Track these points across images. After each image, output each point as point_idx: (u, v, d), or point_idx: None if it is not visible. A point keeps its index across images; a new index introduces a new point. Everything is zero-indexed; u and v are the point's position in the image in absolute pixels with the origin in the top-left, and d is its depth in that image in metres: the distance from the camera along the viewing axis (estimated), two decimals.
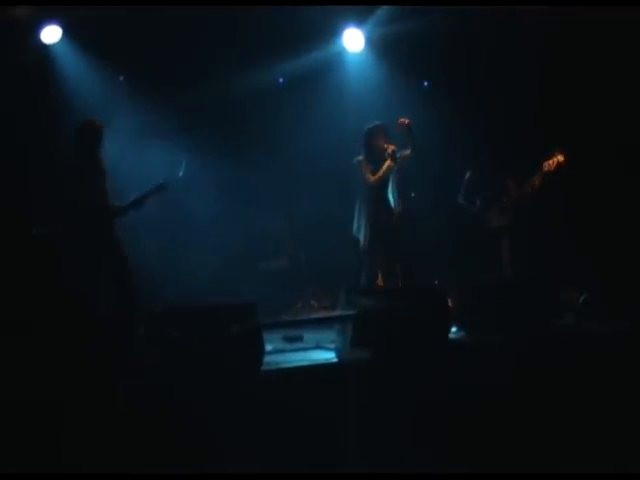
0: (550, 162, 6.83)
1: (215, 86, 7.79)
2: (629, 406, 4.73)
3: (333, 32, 8.09)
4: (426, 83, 8.74)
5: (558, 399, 4.81)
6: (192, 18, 7.31)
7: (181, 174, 6.51)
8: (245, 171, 8.00)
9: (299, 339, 6.10)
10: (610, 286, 5.95)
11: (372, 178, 6.64)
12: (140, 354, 4.92)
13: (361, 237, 6.71)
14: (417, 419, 4.65)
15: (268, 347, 5.25)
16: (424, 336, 5.22)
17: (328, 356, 5.36)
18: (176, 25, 7.36)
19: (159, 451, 4.20)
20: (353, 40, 8.14)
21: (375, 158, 6.67)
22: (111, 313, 5.52)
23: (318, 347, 5.74)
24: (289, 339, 6.08)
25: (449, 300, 5.71)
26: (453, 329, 5.74)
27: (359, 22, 8.02)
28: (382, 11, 7.81)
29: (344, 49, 8.25)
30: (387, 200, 6.72)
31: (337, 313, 6.27)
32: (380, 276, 6.68)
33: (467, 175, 7.24)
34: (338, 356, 5.29)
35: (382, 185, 6.69)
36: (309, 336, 6.11)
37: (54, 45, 7.35)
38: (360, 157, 6.73)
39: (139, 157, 7.25)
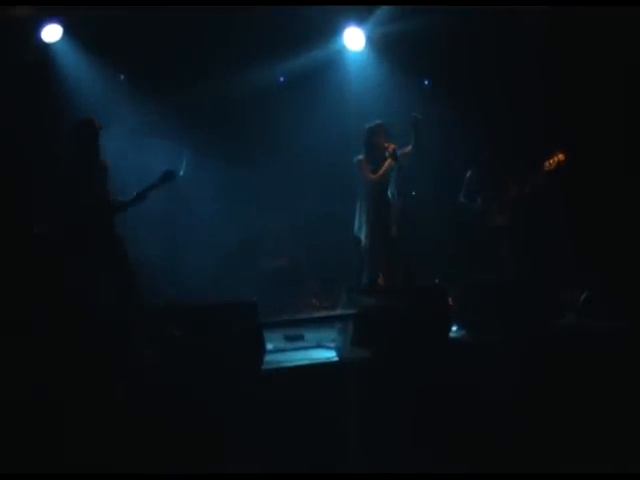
0: (551, 161, 6.82)
1: (216, 85, 7.78)
2: (629, 406, 4.74)
3: (334, 31, 8.08)
4: (426, 82, 8.74)
5: (558, 399, 4.81)
6: (192, 18, 7.30)
7: (182, 173, 6.51)
8: (246, 170, 8.00)
9: (300, 338, 6.10)
10: (610, 285, 5.95)
11: (373, 177, 6.64)
12: (140, 353, 4.93)
13: (362, 236, 6.72)
14: (417, 418, 4.66)
15: (269, 346, 5.26)
16: (425, 335, 5.24)
17: (329, 355, 5.37)
18: (176, 25, 7.36)
19: (159, 451, 4.20)
20: (354, 39, 8.13)
21: (376, 157, 6.67)
22: (111, 312, 5.51)
23: (319, 346, 5.76)
24: (290, 338, 6.08)
25: (449, 299, 5.72)
26: (453, 328, 5.76)
27: (360, 21, 8.02)
28: (382, 10, 7.81)
29: (345, 48, 8.24)
30: (388, 199, 6.72)
31: (338, 312, 6.27)
32: (381, 275, 6.69)
33: (468, 174, 7.24)
34: (339, 355, 5.30)
35: (383, 184, 6.69)
36: (310, 335, 6.11)
37: (55, 44, 7.34)
38: (360, 156, 6.73)
39: (139, 156, 7.26)
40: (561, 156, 6.82)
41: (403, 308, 5.33)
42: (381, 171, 6.62)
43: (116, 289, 5.65)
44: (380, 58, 8.32)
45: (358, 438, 4.53)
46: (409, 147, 6.58)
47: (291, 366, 5.08)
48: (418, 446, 4.49)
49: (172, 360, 4.68)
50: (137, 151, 7.40)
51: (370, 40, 8.20)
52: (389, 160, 6.55)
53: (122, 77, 7.89)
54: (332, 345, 5.53)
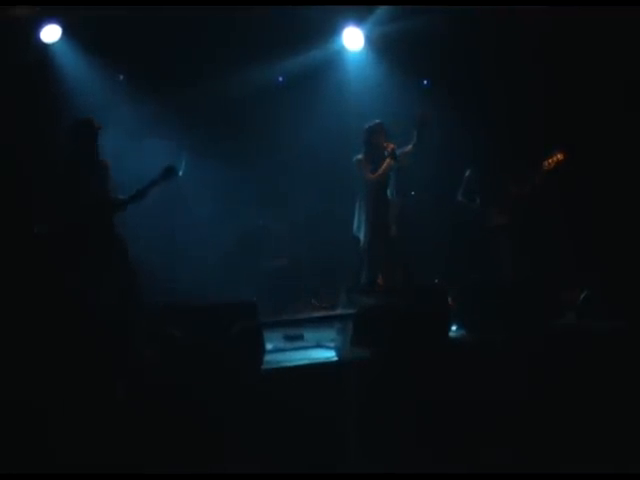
0: (550, 161, 6.82)
1: (215, 85, 7.78)
2: (629, 406, 4.74)
3: (333, 31, 8.08)
4: (426, 82, 8.73)
5: (558, 399, 4.81)
6: (192, 18, 7.30)
7: (181, 173, 6.51)
8: (245, 170, 8.00)
9: (299, 338, 6.10)
10: (610, 285, 5.95)
11: (372, 177, 6.65)
12: (140, 353, 4.92)
13: (361, 236, 6.72)
14: (417, 418, 4.66)
15: (268, 346, 5.26)
16: (424, 335, 5.23)
17: (328, 355, 5.37)
18: (175, 25, 7.36)
19: (159, 451, 4.20)
20: (353, 39, 8.13)
21: (375, 157, 6.67)
22: (111, 312, 5.51)
23: (318, 346, 5.75)
24: (289, 338, 6.08)
25: (449, 299, 5.72)
26: (453, 328, 5.76)
27: (359, 21, 8.01)
28: (382, 10, 7.80)
29: (344, 48, 8.23)
30: (387, 199, 6.72)
31: (337, 312, 6.29)
32: (380, 275, 6.69)
33: (467, 173, 7.23)
34: (338, 355, 5.29)
35: (382, 183, 6.69)
36: (309, 335, 6.11)
37: (54, 44, 7.34)
38: (359, 156, 6.73)
39: (139, 156, 7.24)
40: (560, 156, 6.82)
41: (403, 308, 5.32)
42: (380, 171, 6.62)
43: (116, 289, 5.65)
44: (379, 58, 8.31)
45: (358, 438, 4.53)
46: (409, 146, 6.58)
47: (291, 366, 5.07)
48: (418, 446, 4.49)
49: (172, 360, 4.68)
50: (136, 151, 7.39)
51: (369, 40, 8.20)
52: (388, 160, 6.56)
53: (121, 77, 7.90)
54: (332, 345, 5.53)
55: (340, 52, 8.29)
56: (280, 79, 8.52)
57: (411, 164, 6.71)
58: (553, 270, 7.08)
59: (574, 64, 7.52)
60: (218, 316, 4.95)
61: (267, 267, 8.24)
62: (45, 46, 7.31)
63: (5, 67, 6.91)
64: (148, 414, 4.38)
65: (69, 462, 4.05)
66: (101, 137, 5.91)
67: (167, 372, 4.65)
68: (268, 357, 5.07)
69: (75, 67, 7.45)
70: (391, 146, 6.54)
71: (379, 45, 8.25)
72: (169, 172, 5.82)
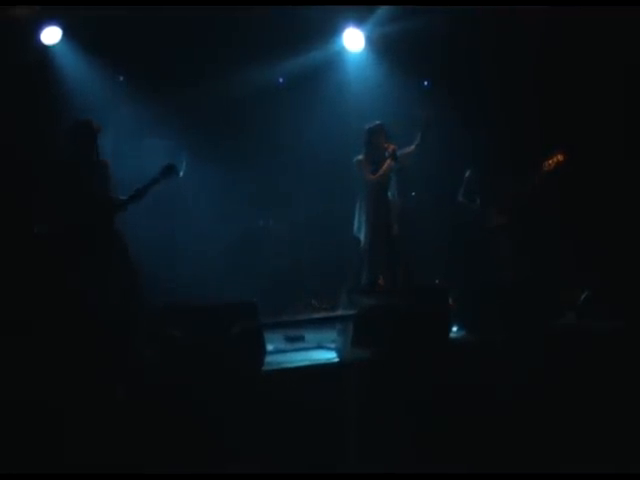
0: (550, 161, 6.82)
1: (215, 86, 7.78)
2: (629, 406, 4.74)
3: (333, 32, 8.08)
4: (426, 82, 8.73)
5: (558, 399, 4.81)
6: (192, 18, 7.30)
7: (181, 173, 6.50)
8: (245, 170, 8.00)
9: (300, 339, 6.11)
10: (610, 285, 5.96)
11: (372, 177, 6.64)
12: (140, 353, 4.92)
13: (362, 237, 6.72)
14: (418, 419, 4.66)
15: (269, 347, 5.26)
16: (425, 335, 5.23)
17: (329, 356, 5.37)
18: (176, 25, 7.36)
19: (159, 451, 4.20)
20: (353, 40, 8.12)
21: (375, 157, 6.67)
22: (112, 312, 5.51)
23: (319, 347, 5.75)
24: (290, 339, 6.08)
25: (449, 299, 5.72)
26: (454, 328, 5.76)
27: (359, 22, 8.01)
28: (382, 11, 7.80)
29: (344, 49, 8.23)
30: (387, 199, 6.72)
31: (338, 313, 6.28)
32: (381, 276, 6.69)
33: (467, 174, 7.23)
34: (339, 356, 5.29)
35: (382, 184, 6.69)
36: (310, 336, 6.11)
37: (54, 45, 7.34)
38: (360, 156, 6.73)
39: (139, 157, 7.25)
40: (560, 156, 6.82)
41: (403, 308, 5.32)
42: (381, 172, 6.62)
43: (117, 289, 5.64)
44: (379, 59, 8.31)
45: (358, 438, 4.53)
46: (411, 147, 6.59)
47: (291, 367, 5.07)
48: (418, 446, 4.49)
49: (172, 360, 4.68)
50: (136, 152, 7.40)
51: (369, 41, 8.20)
52: (389, 161, 6.56)
53: (121, 78, 7.89)
54: (332, 346, 5.53)
55: (340, 53, 8.29)
56: (280, 80, 8.52)
57: (411, 165, 6.71)
58: (553, 270, 7.08)
59: (574, 64, 7.51)
60: (218, 316, 4.94)
61: (267, 267, 8.24)
62: (45, 46, 7.31)
63: (5, 67, 6.91)
64: (148, 414, 4.38)
65: (69, 462, 4.06)
66: (101, 137, 5.90)
67: (167, 372, 4.65)
68: (269, 358, 5.07)
69: (75, 68, 7.44)
70: (392, 147, 6.54)
71: (379, 46, 8.24)
72: (169, 170, 5.80)
